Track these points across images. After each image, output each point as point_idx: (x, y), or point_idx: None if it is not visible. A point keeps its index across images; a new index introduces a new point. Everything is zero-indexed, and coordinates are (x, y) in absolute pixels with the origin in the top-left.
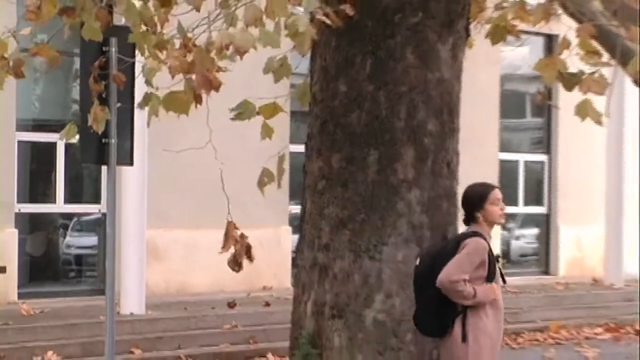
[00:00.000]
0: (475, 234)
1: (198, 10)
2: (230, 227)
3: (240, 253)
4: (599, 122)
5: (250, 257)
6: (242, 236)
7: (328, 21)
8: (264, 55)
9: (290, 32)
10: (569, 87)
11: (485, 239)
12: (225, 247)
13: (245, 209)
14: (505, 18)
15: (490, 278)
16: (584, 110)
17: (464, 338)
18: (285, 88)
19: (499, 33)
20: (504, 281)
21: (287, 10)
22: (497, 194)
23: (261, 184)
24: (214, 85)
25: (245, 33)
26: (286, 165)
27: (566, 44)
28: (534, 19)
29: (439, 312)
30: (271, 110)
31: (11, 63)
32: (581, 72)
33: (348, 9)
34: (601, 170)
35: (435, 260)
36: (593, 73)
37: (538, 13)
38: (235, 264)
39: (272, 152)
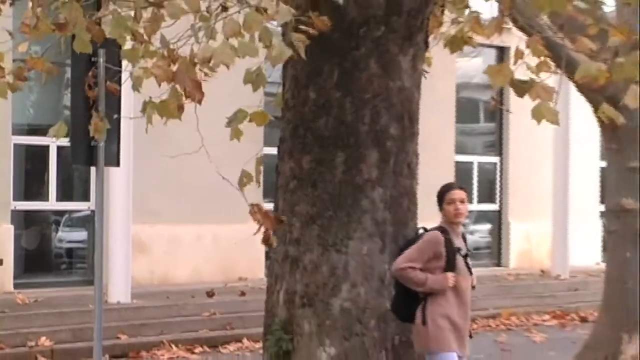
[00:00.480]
0: (438, 228)
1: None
2: (255, 209)
3: (268, 229)
4: (556, 122)
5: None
6: (267, 212)
7: (308, 32)
8: (240, 65)
9: (265, 45)
10: (520, 94)
11: (448, 233)
12: (257, 231)
13: (222, 206)
14: (462, 31)
15: (449, 269)
16: (539, 113)
17: (424, 322)
18: (259, 94)
19: (457, 43)
20: (470, 273)
21: (262, 25)
22: (452, 194)
23: (241, 184)
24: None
25: (225, 47)
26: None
27: (520, 54)
28: (488, 32)
29: (406, 300)
30: (261, 117)
31: (9, 76)
32: (531, 80)
33: (322, 24)
34: (548, 170)
35: (402, 251)
36: (541, 82)
37: (491, 26)
38: (268, 241)
39: (247, 154)
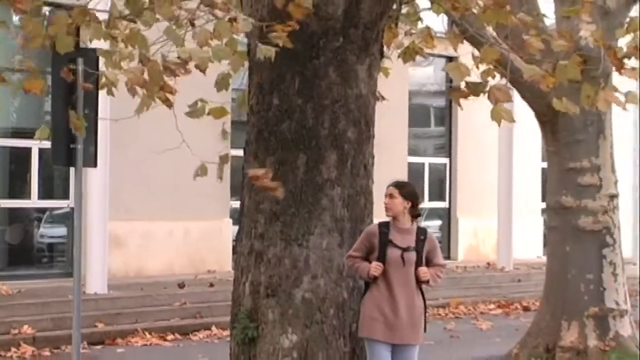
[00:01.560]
0: (382, 222)
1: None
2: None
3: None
4: (512, 120)
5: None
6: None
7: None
8: (209, 72)
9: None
10: (476, 94)
11: (387, 228)
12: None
13: (194, 204)
14: (414, 42)
15: (379, 260)
16: (498, 115)
17: (360, 309)
18: (227, 98)
19: (409, 53)
20: (404, 264)
21: (231, 33)
22: (386, 190)
23: (195, 175)
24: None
25: (202, 50)
26: (227, 163)
27: (478, 60)
28: (452, 43)
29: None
30: (219, 112)
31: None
32: (485, 82)
33: (285, 41)
34: (494, 170)
35: None
36: (497, 83)
37: (452, 38)
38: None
39: (215, 155)
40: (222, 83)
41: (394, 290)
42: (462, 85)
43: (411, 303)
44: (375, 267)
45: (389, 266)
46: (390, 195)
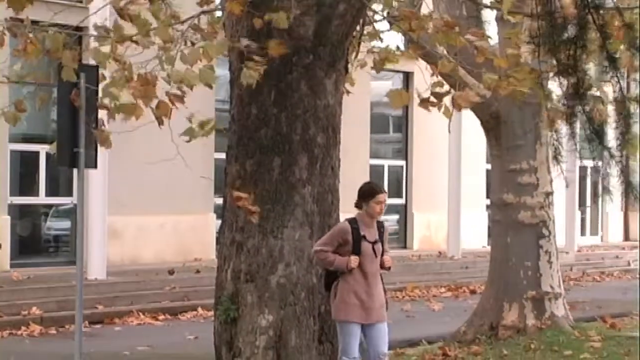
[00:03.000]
0: (351, 219)
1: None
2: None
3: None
4: (406, 102)
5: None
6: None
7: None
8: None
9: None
10: (439, 99)
11: (356, 224)
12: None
13: (182, 200)
14: (384, 52)
15: (354, 253)
16: (397, 98)
17: (335, 296)
18: (211, 110)
19: (379, 64)
20: (375, 255)
21: (220, 53)
22: (381, 197)
23: (182, 135)
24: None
25: (191, 72)
26: (211, 161)
27: (433, 73)
28: (407, 56)
29: (328, 275)
30: (207, 128)
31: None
32: (447, 91)
33: (274, 50)
34: (444, 171)
35: None
36: (448, 92)
37: (409, 53)
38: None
39: (202, 158)
40: (207, 77)
41: (368, 278)
42: (428, 94)
43: (379, 288)
44: (354, 260)
45: (363, 258)
46: (384, 203)
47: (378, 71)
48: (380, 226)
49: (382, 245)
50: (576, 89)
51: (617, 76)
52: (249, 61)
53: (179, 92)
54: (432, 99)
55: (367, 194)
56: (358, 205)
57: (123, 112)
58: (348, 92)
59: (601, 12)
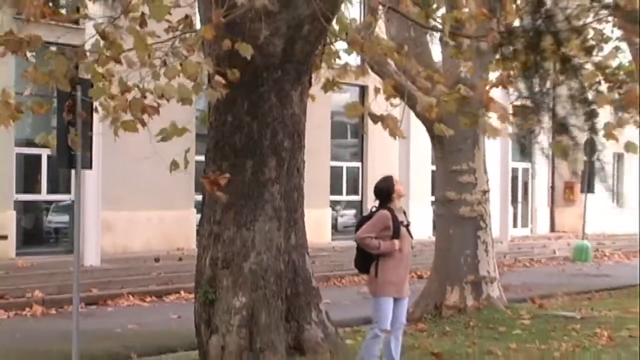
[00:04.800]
0: (387, 208)
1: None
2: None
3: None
4: (361, 112)
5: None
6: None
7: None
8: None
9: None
10: (375, 121)
11: (393, 211)
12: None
13: (167, 198)
14: (334, 76)
15: (395, 236)
16: (352, 110)
17: (376, 275)
18: (191, 115)
19: (329, 85)
20: (412, 237)
21: (196, 71)
22: (396, 179)
23: (171, 169)
24: (151, 114)
25: (170, 85)
26: (192, 161)
27: (377, 90)
28: (355, 75)
29: (364, 258)
30: (180, 131)
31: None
32: (382, 115)
33: (233, 77)
34: (395, 171)
35: (360, 225)
36: (389, 114)
37: (358, 71)
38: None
39: (183, 158)
40: (186, 99)
41: (406, 258)
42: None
43: (410, 266)
44: (398, 243)
45: (402, 240)
46: (400, 182)
47: (326, 91)
48: (404, 211)
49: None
50: (540, 89)
51: (572, 76)
52: (214, 79)
53: (154, 104)
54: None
55: (384, 188)
56: (383, 202)
57: (125, 128)
58: (314, 98)
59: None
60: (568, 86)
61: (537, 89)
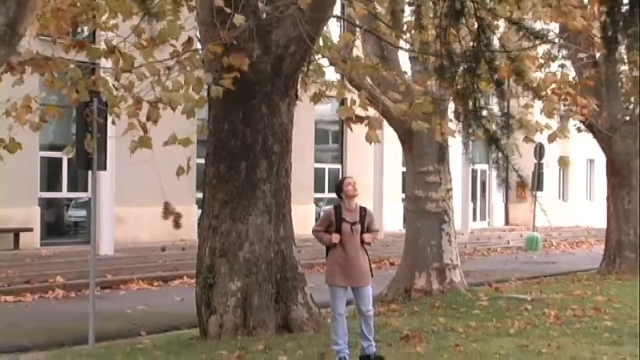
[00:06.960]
0: (335, 206)
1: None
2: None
3: (176, 219)
4: (377, 141)
5: (177, 223)
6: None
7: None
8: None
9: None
10: (361, 122)
11: (340, 210)
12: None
13: (171, 195)
14: (320, 89)
15: (336, 231)
16: (370, 138)
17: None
18: (193, 124)
19: (317, 97)
20: (352, 233)
21: (196, 82)
22: (348, 180)
23: (178, 173)
24: (155, 120)
25: (176, 94)
26: (193, 165)
27: (353, 102)
28: (338, 90)
29: (327, 250)
30: (185, 141)
31: (38, 114)
32: (368, 116)
33: (229, 85)
34: (371, 172)
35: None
36: (374, 115)
37: (339, 87)
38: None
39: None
40: (189, 113)
41: (348, 251)
42: (353, 117)
43: (358, 258)
44: (335, 237)
45: (343, 236)
46: (352, 184)
47: (315, 103)
48: (362, 210)
49: (363, 226)
50: (474, 109)
51: (502, 98)
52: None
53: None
54: (355, 119)
55: (339, 185)
56: (339, 197)
57: (141, 145)
58: (301, 99)
59: (490, 49)
60: (500, 105)
61: (471, 107)
